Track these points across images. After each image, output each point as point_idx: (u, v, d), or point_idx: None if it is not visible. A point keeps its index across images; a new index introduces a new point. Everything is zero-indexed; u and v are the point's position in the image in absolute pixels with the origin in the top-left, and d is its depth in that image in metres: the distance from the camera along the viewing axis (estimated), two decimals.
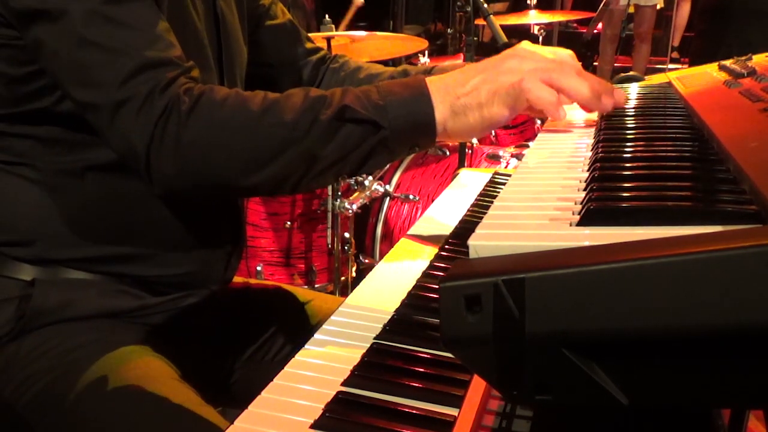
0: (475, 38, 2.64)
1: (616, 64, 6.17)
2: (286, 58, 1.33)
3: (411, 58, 3.53)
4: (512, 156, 2.60)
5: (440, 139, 0.95)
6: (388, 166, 2.71)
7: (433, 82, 0.94)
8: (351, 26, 4.18)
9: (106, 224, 1.05)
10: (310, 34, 1.41)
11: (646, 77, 1.38)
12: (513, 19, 4.42)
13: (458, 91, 0.92)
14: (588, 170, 0.76)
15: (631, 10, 5.72)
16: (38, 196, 1.03)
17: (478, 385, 0.64)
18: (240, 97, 0.93)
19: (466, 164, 2.55)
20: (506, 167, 2.51)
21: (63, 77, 0.93)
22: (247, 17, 1.25)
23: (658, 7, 6.13)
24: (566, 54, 1.01)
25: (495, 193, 1.22)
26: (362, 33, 2.95)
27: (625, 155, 0.78)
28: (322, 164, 0.93)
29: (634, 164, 0.75)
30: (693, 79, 1.14)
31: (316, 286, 2.52)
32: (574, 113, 1.15)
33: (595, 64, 6.01)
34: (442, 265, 0.95)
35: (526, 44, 1.00)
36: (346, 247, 2.44)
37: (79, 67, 0.91)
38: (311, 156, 0.92)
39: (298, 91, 0.95)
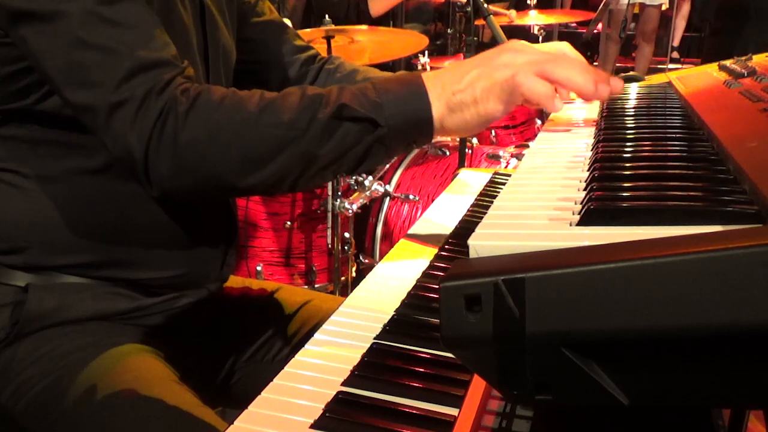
0: (475, 38, 2.64)
1: (616, 65, 6.17)
2: (273, 54, 1.32)
3: (411, 59, 3.53)
4: (512, 156, 2.60)
5: (437, 135, 0.95)
6: (387, 165, 2.71)
7: (429, 78, 0.93)
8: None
9: (97, 229, 1.04)
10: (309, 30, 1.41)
11: (646, 77, 1.38)
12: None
13: (454, 87, 0.92)
14: (588, 170, 0.76)
15: (636, 10, 5.72)
16: (26, 204, 1.02)
17: (478, 385, 0.64)
18: (237, 97, 0.92)
19: (466, 164, 2.55)
20: (506, 167, 2.51)
21: (57, 78, 0.91)
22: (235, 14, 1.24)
23: (664, 8, 6.10)
24: (563, 46, 1.01)
25: (495, 193, 1.22)
26: (363, 27, 2.93)
27: (625, 155, 0.78)
28: (320, 163, 0.92)
29: (634, 164, 0.75)
30: (693, 79, 1.14)
31: (316, 286, 2.52)
32: (574, 112, 1.15)
33: (595, 64, 6.01)
34: (442, 265, 0.95)
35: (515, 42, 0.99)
36: (346, 247, 2.44)
37: (75, 68, 0.90)
38: (309, 155, 0.91)
39: (295, 89, 0.94)
